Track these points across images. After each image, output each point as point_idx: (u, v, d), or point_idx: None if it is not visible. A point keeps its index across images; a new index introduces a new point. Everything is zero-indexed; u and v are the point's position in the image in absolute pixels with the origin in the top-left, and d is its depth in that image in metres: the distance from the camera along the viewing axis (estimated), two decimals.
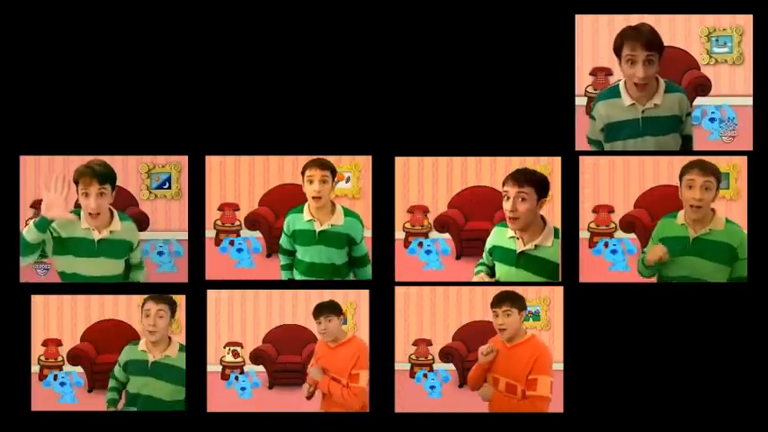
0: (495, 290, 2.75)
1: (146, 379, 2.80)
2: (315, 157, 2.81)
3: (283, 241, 2.91)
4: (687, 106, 2.71)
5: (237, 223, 3.10)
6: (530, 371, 2.68)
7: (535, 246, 2.65)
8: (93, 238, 2.76)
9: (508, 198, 2.61)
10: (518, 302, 2.72)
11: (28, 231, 2.67)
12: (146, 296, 2.81)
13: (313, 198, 2.81)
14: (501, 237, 2.72)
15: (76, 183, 2.71)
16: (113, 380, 2.86)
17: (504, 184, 2.64)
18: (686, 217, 2.70)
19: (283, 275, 2.92)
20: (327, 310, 2.83)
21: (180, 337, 2.89)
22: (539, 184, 2.62)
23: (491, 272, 2.77)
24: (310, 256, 2.86)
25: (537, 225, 2.65)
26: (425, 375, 2.98)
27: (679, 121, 2.69)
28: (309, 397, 2.87)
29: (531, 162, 2.97)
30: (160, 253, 2.95)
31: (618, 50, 2.63)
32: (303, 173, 2.82)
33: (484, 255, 2.79)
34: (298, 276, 2.89)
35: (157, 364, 2.81)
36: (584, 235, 2.91)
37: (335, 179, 2.84)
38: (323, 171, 2.80)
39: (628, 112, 2.69)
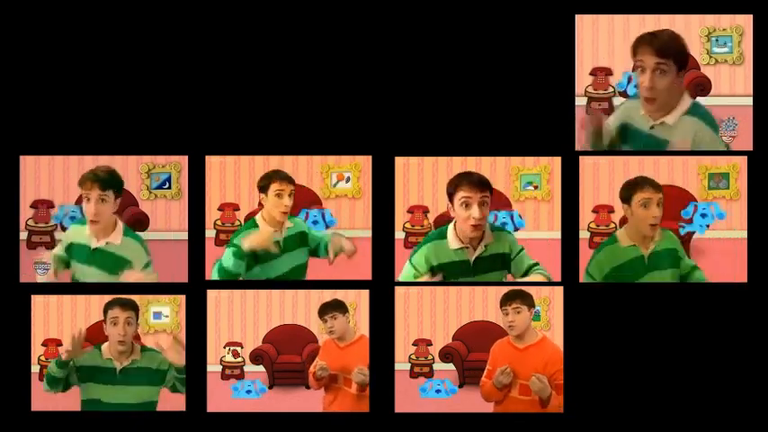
0: (500, 289, 2.75)
1: (111, 387, 2.74)
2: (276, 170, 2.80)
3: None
4: (710, 136, 2.49)
5: (237, 223, 3.10)
6: (552, 375, 2.69)
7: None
8: (90, 245, 2.75)
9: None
10: (528, 300, 2.72)
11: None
12: (109, 301, 2.73)
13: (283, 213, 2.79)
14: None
15: (80, 186, 2.70)
16: (58, 369, 2.69)
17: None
18: (636, 237, 2.66)
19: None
20: (332, 308, 2.84)
21: (180, 338, 2.89)
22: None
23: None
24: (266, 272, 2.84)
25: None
26: (431, 386, 2.97)
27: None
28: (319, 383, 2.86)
29: (530, 162, 2.98)
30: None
31: (634, 56, 2.48)
32: (267, 185, 2.77)
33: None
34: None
35: (126, 371, 2.76)
36: (584, 235, 2.91)
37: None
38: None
39: (639, 122, 2.61)
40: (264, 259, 2.76)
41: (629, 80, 2.89)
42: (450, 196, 2.64)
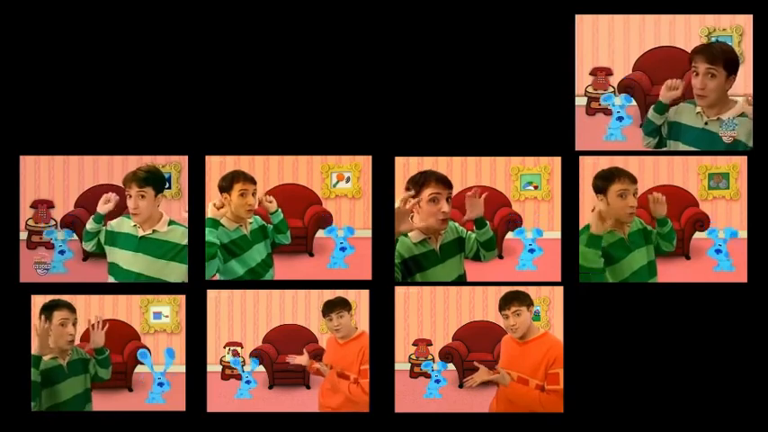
0: (500, 289, 2.75)
1: (66, 383, 2.82)
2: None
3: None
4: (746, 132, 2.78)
5: None
6: (550, 364, 2.73)
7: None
8: (137, 234, 2.86)
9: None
10: (525, 300, 2.77)
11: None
12: (49, 303, 2.81)
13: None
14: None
15: (124, 185, 2.86)
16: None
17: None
18: (615, 223, 2.77)
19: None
20: (339, 306, 2.85)
21: (180, 338, 2.89)
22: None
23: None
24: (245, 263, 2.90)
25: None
26: (428, 375, 2.98)
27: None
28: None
29: (531, 162, 2.97)
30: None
31: (690, 63, 2.75)
32: (230, 186, 2.86)
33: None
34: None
35: (72, 364, 2.83)
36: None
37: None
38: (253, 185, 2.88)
39: (692, 119, 2.79)
40: (237, 252, 2.86)
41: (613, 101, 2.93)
42: (417, 193, 2.67)
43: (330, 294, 2.89)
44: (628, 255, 2.77)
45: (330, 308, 2.88)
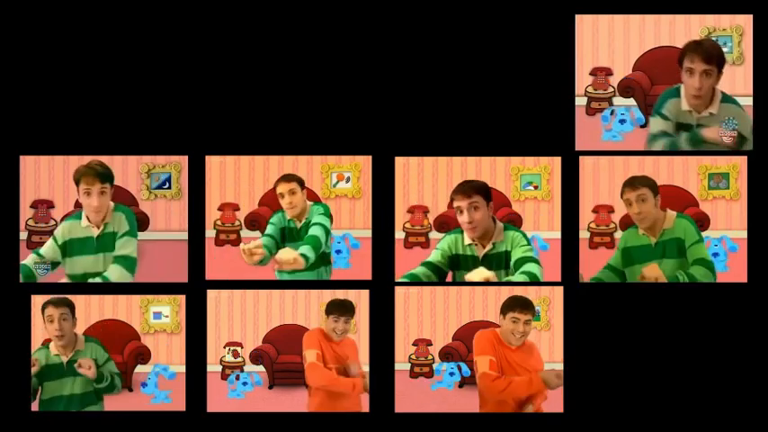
0: (499, 289, 2.75)
1: (63, 380, 2.82)
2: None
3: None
4: (749, 124, 2.77)
5: (237, 223, 3.10)
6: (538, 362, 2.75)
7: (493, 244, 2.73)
8: (93, 235, 2.82)
9: (461, 211, 2.68)
10: (534, 310, 2.76)
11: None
12: (45, 301, 2.81)
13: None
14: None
15: (78, 182, 2.78)
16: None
17: (453, 201, 2.70)
18: (641, 228, 2.82)
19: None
20: (351, 312, 2.84)
21: (180, 338, 2.89)
22: (484, 191, 2.70)
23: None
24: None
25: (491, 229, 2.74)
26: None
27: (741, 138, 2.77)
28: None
29: (531, 162, 2.98)
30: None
31: (680, 61, 2.72)
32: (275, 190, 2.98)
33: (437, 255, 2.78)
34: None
35: (73, 362, 2.83)
36: (584, 235, 2.91)
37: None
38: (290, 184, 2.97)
39: (684, 117, 2.77)
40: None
41: (612, 113, 2.92)
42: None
43: (330, 294, 2.88)
44: (650, 262, 2.78)
45: (343, 311, 2.84)
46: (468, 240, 2.75)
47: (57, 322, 2.80)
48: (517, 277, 2.61)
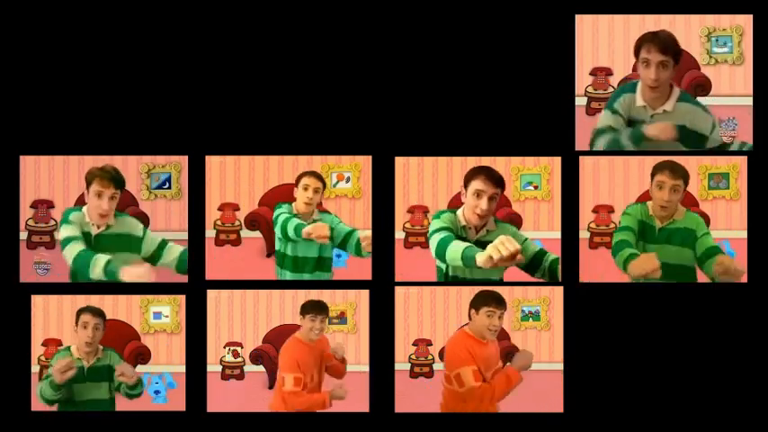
0: (499, 289, 2.75)
1: (85, 385, 2.81)
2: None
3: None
4: (707, 123, 2.71)
5: (237, 223, 3.10)
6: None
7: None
8: (92, 232, 2.79)
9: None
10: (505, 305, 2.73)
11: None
12: (82, 307, 2.80)
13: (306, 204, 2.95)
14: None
15: (89, 183, 2.75)
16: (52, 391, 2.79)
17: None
18: (653, 211, 2.74)
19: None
20: (326, 312, 2.84)
21: (180, 338, 2.89)
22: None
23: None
24: (295, 251, 2.90)
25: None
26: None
27: (696, 136, 2.71)
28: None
29: (531, 162, 2.98)
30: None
31: (636, 53, 2.68)
32: (299, 180, 2.94)
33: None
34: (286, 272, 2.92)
35: (93, 369, 2.81)
36: (584, 235, 2.91)
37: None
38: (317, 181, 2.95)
39: (637, 112, 2.71)
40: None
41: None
42: (466, 184, 2.66)
43: (329, 294, 2.88)
44: (652, 245, 2.72)
45: (319, 310, 2.85)
46: (462, 222, 2.69)
47: (90, 329, 2.79)
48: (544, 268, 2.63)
